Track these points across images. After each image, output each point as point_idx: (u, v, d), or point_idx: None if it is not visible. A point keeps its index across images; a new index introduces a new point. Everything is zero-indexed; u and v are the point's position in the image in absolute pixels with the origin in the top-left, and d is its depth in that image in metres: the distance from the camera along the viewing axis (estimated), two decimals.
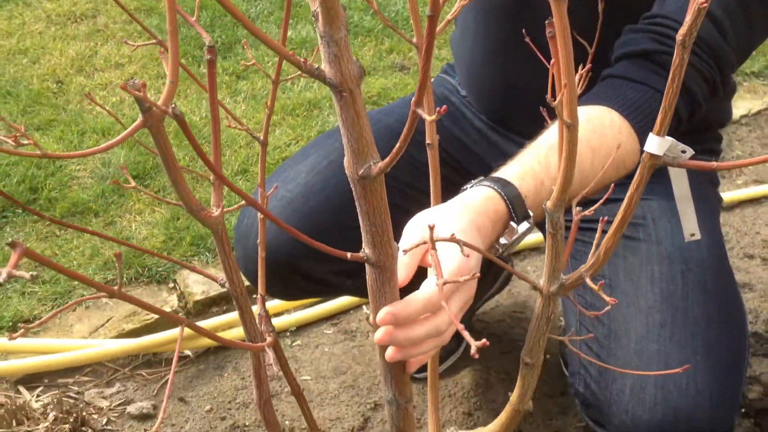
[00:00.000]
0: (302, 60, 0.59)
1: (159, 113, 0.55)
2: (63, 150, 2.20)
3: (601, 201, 0.79)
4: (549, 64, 0.62)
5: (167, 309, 1.83)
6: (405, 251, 0.80)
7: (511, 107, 1.42)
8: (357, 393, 1.67)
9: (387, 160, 0.64)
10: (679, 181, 1.12)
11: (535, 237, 2.00)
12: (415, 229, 0.91)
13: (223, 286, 0.79)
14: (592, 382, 1.19)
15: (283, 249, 1.26)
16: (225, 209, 0.72)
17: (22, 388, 1.66)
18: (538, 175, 1.02)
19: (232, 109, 2.47)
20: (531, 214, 0.98)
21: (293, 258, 1.28)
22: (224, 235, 0.73)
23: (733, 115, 2.47)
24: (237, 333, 1.78)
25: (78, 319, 1.80)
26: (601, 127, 1.08)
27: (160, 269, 1.90)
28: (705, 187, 1.37)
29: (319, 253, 1.42)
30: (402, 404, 0.90)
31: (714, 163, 0.65)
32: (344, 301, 1.87)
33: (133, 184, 0.79)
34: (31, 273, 0.47)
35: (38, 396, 1.65)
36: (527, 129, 1.14)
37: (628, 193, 0.72)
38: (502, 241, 0.99)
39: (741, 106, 2.57)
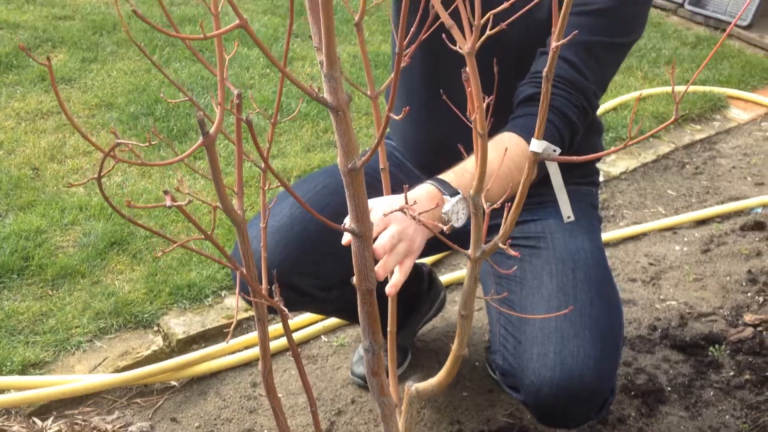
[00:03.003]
0: (315, 90, 0.98)
1: (214, 135, 0.92)
2: (47, 224, 2.50)
3: (506, 196, 1.18)
4: (466, 119, 1.02)
5: (154, 348, 2.14)
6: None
7: (437, 159, 1.80)
8: (322, 404, 2.00)
9: (366, 156, 1.02)
10: (555, 176, 1.55)
11: (460, 274, 2.40)
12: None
13: (238, 270, 1.14)
14: (509, 356, 1.57)
15: (272, 264, 1.60)
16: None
17: (35, 419, 1.93)
18: (456, 171, 1.46)
19: (191, 185, 2.82)
20: (459, 191, 1.40)
21: (281, 272, 1.63)
22: (244, 230, 1.09)
23: (614, 173, 2.96)
24: (216, 364, 2.10)
25: (78, 361, 2.09)
26: (503, 143, 1.50)
27: (145, 315, 2.20)
28: (588, 208, 1.80)
29: (302, 268, 1.80)
30: (376, 350, 1.25)
31: (575, 157, 1.05)
32: (304, 333, 2.21)
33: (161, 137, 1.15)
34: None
35: (50, 425, 1.92)
36: None
37: (521, 180, 1.11)
38: (444, 209, 1.41)
39: (620, 165, 3.08)
